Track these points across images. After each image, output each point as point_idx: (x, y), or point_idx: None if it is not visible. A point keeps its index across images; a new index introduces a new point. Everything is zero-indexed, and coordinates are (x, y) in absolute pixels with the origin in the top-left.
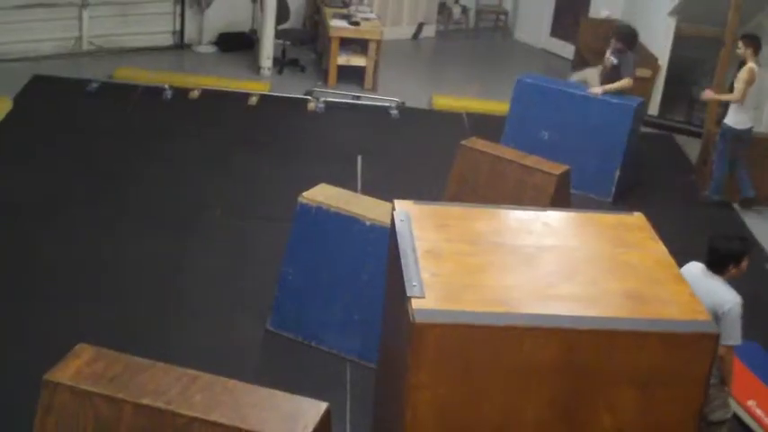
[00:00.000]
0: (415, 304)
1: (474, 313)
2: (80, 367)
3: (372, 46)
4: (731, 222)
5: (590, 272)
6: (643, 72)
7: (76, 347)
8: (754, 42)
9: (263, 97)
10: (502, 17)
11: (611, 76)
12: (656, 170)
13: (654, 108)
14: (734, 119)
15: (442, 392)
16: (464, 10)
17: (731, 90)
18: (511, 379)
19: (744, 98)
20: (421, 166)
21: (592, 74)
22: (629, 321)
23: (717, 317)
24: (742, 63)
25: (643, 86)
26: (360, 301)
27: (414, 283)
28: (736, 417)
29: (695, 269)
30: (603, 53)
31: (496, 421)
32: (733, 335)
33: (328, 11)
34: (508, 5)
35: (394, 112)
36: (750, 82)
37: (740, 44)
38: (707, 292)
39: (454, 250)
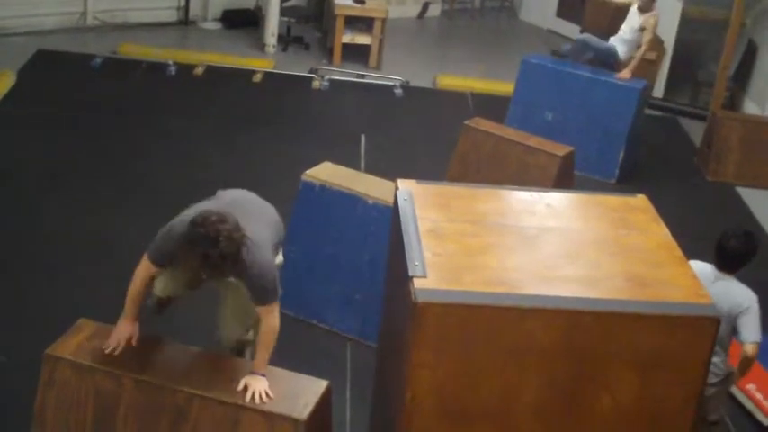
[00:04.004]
0: (417, 284)
1: (475, 293)
2: (81, 342)
3: (377, 24)
4: (734, 205)
5: (592, 254)
6: (648, 55)
7: (78, 322)
8: None
9: (267, 74)
10: None
11: None
12: (659, 153)
13: (659, 91)
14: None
15: (443, 372)
16: None
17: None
18: (511, 359)
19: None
20: (424, 146)
21: None
22: (631, 303)
23: (735, 317)
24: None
25: (648, 69)
26: (361, 280)
27: (416, 263)
28: (734, 400)
29: (705, 271)
30: (609, 34)
31: (496, 401)
32: (755, 332)
33: None
34: None
35: (398, 91)
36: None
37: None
38: (723, 293)
39: (456, 230)
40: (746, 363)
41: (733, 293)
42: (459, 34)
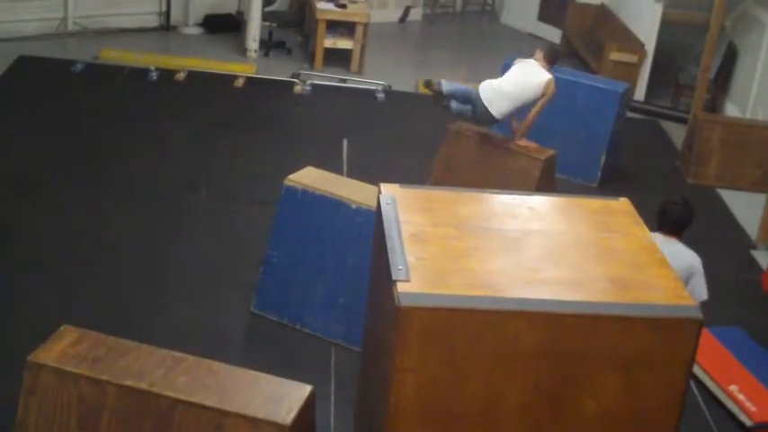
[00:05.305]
0: (401, 288)
1: (459, 297)
2: (64, 349)
3: (359, 29)
4: (715, 207)
5: (575, 257)
6: (629, 57)
7: (60, 329)
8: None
9: (249, 79)
10: (489, 1)
11: None
12: (641, 155)
13: (640, 94)
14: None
15: (427, 376)
16: None
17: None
18: (495, 363)
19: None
20: (407, 150)
21: None
22: (614, 306)
23: (686, 279)
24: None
25: (629, 72)
26: (345, 285)
27: (399, 267)
28: (718, 401)
29: (656, 238)
30: (590, 38)
31: (480, 405)
32: (704, 291)
33: None
34: None
35: (380, 95)
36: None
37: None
38: (675, 255)
39: (439, 234)
40: None
41: (683, 256)
42: (441, 38)
